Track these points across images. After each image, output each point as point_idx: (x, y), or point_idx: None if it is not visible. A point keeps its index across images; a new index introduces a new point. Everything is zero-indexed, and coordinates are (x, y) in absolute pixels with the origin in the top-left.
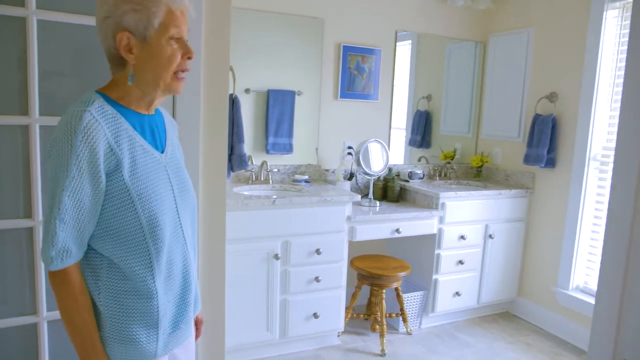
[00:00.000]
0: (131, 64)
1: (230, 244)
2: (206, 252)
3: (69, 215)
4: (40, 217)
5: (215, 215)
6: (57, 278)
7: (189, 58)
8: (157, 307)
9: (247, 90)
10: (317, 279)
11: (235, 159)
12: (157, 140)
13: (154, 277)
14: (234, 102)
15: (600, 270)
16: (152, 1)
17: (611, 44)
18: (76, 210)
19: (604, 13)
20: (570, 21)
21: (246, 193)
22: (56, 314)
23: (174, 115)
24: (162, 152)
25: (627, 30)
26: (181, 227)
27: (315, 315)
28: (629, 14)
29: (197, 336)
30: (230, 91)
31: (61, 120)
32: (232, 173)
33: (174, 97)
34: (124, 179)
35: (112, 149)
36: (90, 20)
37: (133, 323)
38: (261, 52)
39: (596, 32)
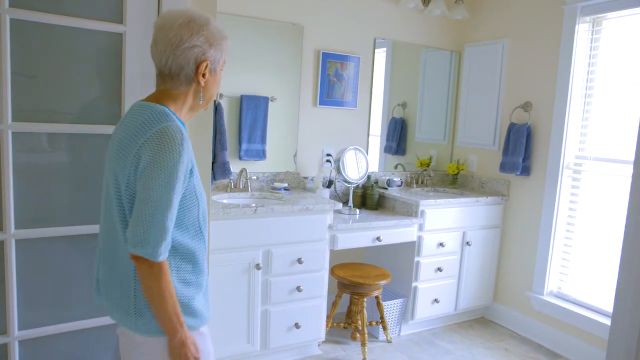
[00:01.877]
0: (201, 86)
1: (211, 254)
2: None
3: (173, 213)
4: (13, 230)
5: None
6: (156, 267)
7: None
8: (206, 281)
9: (220, 96)
10: (298, 289)
11: (218, 167)
12: None
13: (204, 257)
14: (216, 108)
15: (615, 294)
16: (224, 45)
17: (583, 57)
18: (175, 209)
19: (576, 26)
20: (544, 33)
21: (225, 201)
22: (28, 333)
23: None
24: None
25: (597, 44)
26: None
27: (297, 326)
28: (599, 28)
29: None
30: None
31: (162, 132)
32: (214, 182)
33: None
34: (193, 181)
35: (190, 158)
36: (68, 21)
37: (194, 295)
38: (237, 57)
39: (568, 44)
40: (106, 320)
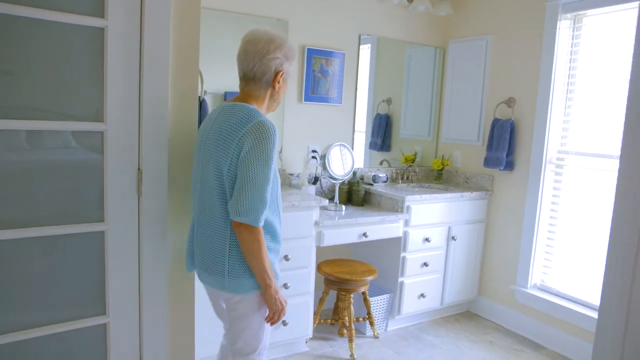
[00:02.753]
0: (275, 91)
1: None
2: (176, 262)
3: (269, 189)
4: None
5: (184, 222)
6: (256, 232)
7: None
8: (280, 248)
9: (204, 92)
10: (285, 286)
11: None
12: None
13: (280, 225)
14: (201, 105)
15: (603, 283)
16: (294, 62)
17: (565, 53)
18: (271, 186)
19: (558, 23)
20: (527, 30)
21: None
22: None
23: (140, 121)
24: None
25: (578, 40)
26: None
27: (284, 323)
28: (580, 24)
29: None
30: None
31: (260, 125)
32: None
33: (139, 101)
34: (275, 166)
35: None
36: (46, 15)
37: (274, 260)
38: (221, 53)
39: (550, 41)
40: (85, 322)
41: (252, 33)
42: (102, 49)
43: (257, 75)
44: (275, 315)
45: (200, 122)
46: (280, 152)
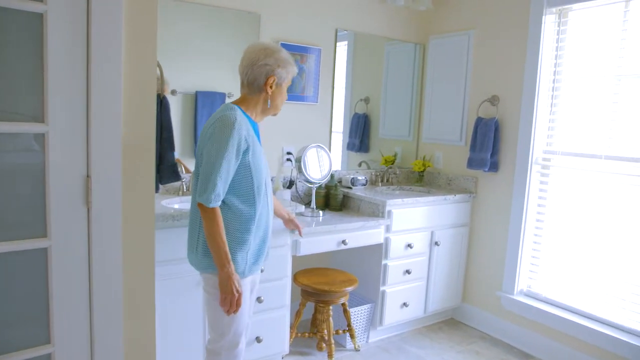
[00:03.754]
0: (268, 95)
1: (160, 265)
2: (133, 277)
3: (224, 174)
4: None
5: (142, 235)
6: (209, 213)
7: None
8: (250, 241)
9: (173, 92)
10: (259, 300)
11: (165, 169)
12: (258, 138)
13: (253, 221)
14: (162, 103)
15: None
16: (289, 68)
17: (550, 49)
18: (227, 172)
19: (543, 17)
20: (510, 24)
21: (177, 206)
22: None
23: (88, 122)
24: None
25: (564, 36)
26: (267, 195)
27: (258, 340)
28: (565, 19)
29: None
30: (158, 91)
31: (221, 118)
32: (161, 186)
33: (87, 99)
34: (248, 158)
35: (246, 139)
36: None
37: (236, 249)
38: (189, 49)
39: (536, 36)
40: (26, 354)
41: (250, 45)
42: (42, 38)
43: (249, 80)
44: (226, 300)
45: (161, 123)
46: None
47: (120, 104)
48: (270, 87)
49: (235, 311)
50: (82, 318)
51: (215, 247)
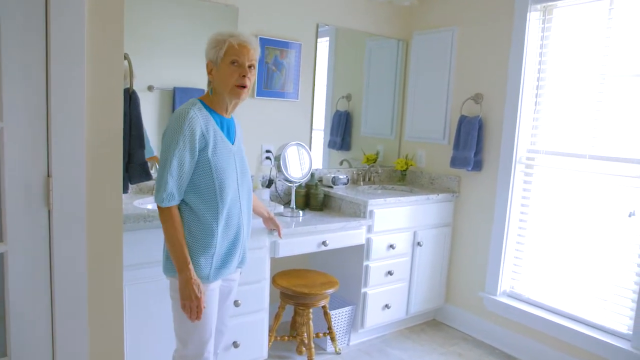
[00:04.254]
0: (210, 81)
1: (129, 270)
2: (99, 283)
3: (175, 171)
4: None
5: (109, 238)
6: (164, 213)
7: (244, 76)
8: (215, 244)
9: (150, 88)
10: (236, 303)
11: (134, 168)
12: (231, 136)
13: (217, 223)
14: (131, 98)
15: None
16: (220, 41)
17: (535, 46)
18: (179, 169)
19: (528, 14)
20: (495, 21)
21: (150, 207)
22: None
23: (48, 118)
24: (233, 143)
25: (549, 33)
26: (239, 197)
27: (235, 345)
28: (550, 16)
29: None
30: (127, 85)
31: (175, 113)
32: (130, 186)
33: (47, 93)
34: (208, 155)
35: (203, 135)
36: None
37: (199, 252)
38: (167, 44)
39: (520, 33)
40: None
41: None
42: None
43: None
44: (186, 306)
45: (130, 119)
46: None
47: (83, 99)
48: (210, 72)
49: (198, 318)
50: (42, 328)
51: (172, 250)
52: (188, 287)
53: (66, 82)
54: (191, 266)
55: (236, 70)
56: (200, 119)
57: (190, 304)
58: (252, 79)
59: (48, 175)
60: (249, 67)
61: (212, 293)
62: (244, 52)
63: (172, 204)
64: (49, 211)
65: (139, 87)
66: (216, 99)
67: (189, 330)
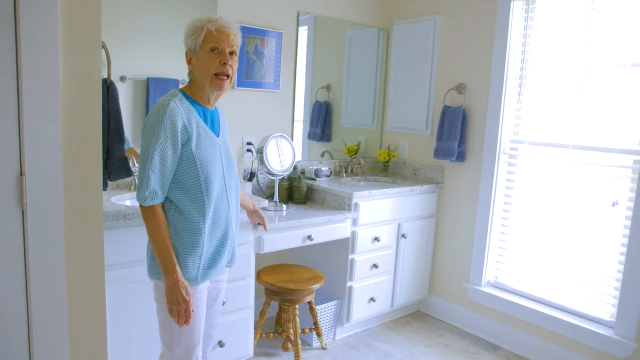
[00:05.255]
0: (190, 71)
1: (109, 269)
2: (79, 285)
3: (157, 167)
4: None
5: (89, 238)
6: (147, 212)
7: (224, 64)
8: (203, 243)
9: (122, 78)
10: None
11: (113, 164)
12: (215, 128)
13: (204, 220)
14: (109, 89)
15: None
16: (198, 27)
17: (518, 36)
18: (162, 165)
19: (511, 3)
20: (478, 10)
21: (128, 203)
22: None
23: (20, 111)
24: (217, 136)
25: (532, 22)
26: (226, 191)
27: (221, 344)
28: (534, 6)
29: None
30: (104, 75)
31: (154, 105)
32: (109, 182)
33: (17, 82)
34: (192, 149)
35: (186, 127)
36: None
37: (186, 252)
38: (140, 33)
39: (504, 22)
40: None
41: None
42: None
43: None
44: (174, 310)
45: (109, 112)
46: None
47: (57, 92)
48: (190, 62)
49: (187, 322)
50: (19, 337)
51: (157, 251)
52: (175, 291)
53: (39, 72)
54: (178, 268)
55: (216, 58)
56: (181, 111)
57: (178, 308)
58: (234, 67)
59: (21, 174)
60: (230, 53)
61: (200, 295)
62: (223, 37)
63: (156, 202)
64: (22, 212)
65: (112, 76)
66: (197, 89)
67: (176, 334)
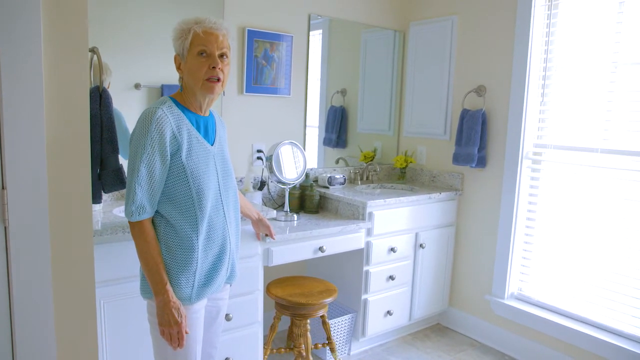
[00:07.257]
0: (180, 77)
1: (107, 285)
2: (67, 304)
3: (144, 180)
4: None
5: (78, 253)
6: (135, 228)
7: (214, 67)
8: (197, 260)
9: (137, 86)
10: (227, 317)
11: (108, 175)
12: (210, 135)
13: (197, 235)
14: (101, 97)
15: None
16: (185, 30)
17: (540, 35)
18: (149, 177)
19: (533, 1)
20: (497, 9)
21: None
22: None
23: (0, 121)
24: (212, 144)
25: (555, 20)
26: (222, 203)
27: None
28: (557, 2)
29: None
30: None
31: (142, 113)
32: (104, 195)
33: None
34: (182, 159)
35: (175, 136)
36: None
37: (178, 270)
38: (152, 40)
39: (525, 22)
40: None
41: None
42: None
43: None
44: (165, 332)
45: (101, 121)
46: None
47: (41, 100)
48: (179, 67)
49: (180, 345)
50: (3, 357)
51: (146, 270)
52: (166, 312)
53: (20, 78)
54: (169, 287)
55: (205, 62)
56: (170, 119)
57: (170, 330)
58: (225, 70)
59: (2, 187)
60: (220, 56)
61: (195, 315)
62: (211, 39)
63: (144, 217)
64: (5, 228)
65: (124, 85)
66: (188, 95)
67: (170, 357)
